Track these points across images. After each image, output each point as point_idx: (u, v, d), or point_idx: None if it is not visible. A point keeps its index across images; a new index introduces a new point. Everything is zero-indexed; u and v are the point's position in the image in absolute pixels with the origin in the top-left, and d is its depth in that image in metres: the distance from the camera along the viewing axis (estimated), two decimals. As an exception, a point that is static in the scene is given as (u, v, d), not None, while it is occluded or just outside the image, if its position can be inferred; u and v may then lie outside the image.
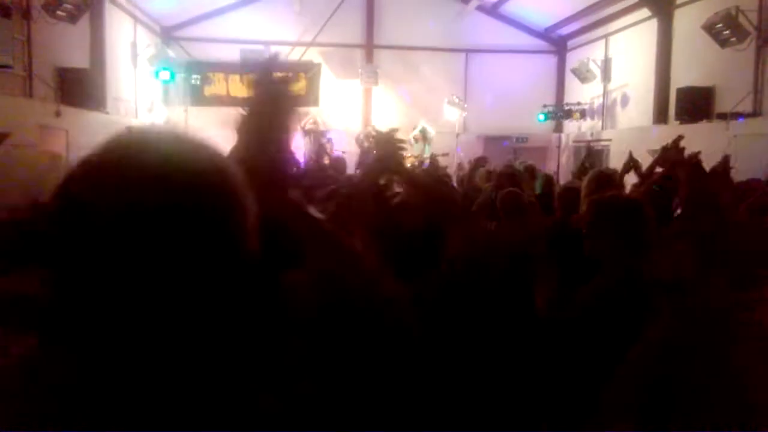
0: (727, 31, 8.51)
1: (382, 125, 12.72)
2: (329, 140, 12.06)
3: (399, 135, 2.21)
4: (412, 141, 11.87)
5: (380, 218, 1.97)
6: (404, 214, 1.95)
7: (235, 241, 0.68)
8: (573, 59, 14.60)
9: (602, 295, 2.29)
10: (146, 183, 0.64)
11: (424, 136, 11.85)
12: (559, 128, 14.91)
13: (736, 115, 8.62)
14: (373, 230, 1.97)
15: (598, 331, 2.25)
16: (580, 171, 10.53)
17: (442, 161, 11.06)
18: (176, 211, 0.64)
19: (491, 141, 14.93)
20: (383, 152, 2.14)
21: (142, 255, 0.62)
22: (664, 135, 10.46)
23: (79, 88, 9.21)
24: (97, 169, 0.66)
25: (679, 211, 3.23)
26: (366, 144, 11.80)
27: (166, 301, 0.64)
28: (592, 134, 13.58)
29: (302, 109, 13.68)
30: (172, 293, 0.64)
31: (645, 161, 4.75)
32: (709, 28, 8.74)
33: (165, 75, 12.49)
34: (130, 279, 0.62)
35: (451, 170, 10.54)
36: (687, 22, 10.29)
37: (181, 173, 0.66)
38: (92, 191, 0.64)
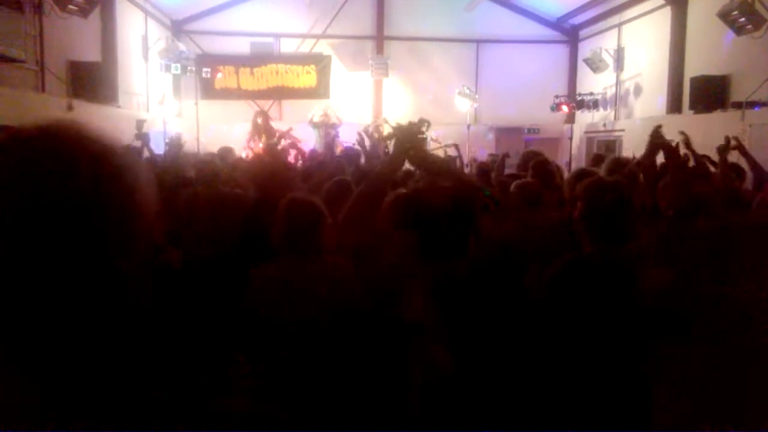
0: (743, 18, 8.37)
1: (396, 117, 12.65)
2: (336, 133, 12.04)
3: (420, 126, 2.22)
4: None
5: (408, 203, 1.98)
6: (431, 199, 1.94)
7: (107, 243, 0.68)
8: (585, 49, 14.46)
9: (557, 276, 2.29)
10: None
11: (428, 127, 11.92)
12: (571, 119, 14.79)
13: (752, 104, 8.50)
14: (402, 214, 1.98)
15: (556, 313, 2.23)
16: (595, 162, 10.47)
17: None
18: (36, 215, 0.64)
19: (503, 132, 14.84)
20: (404, 143, 2.16)
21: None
22: (678, 125, 10.37)
23: (90, 81, 9.25)
24: None
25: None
26: (376, 136, 11.75)
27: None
28: (604, 125, 13.46)
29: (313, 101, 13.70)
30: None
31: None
32: (725, 16, 8.61)
33: (175, 68, 12.53)
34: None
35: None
36: (701, 9, 10.15)
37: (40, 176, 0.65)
38: None
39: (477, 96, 14.22)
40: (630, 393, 2.08)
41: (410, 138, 2.17)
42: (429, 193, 2.01)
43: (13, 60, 7.37)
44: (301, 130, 11.29)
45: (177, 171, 4.40)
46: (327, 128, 11.96)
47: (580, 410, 2.12)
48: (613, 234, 2.29)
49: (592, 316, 2.14)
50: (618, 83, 13.23)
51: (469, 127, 13.80)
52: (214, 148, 7.46)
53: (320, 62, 14.41)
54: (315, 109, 12.16)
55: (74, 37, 9.31)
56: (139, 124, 7.91)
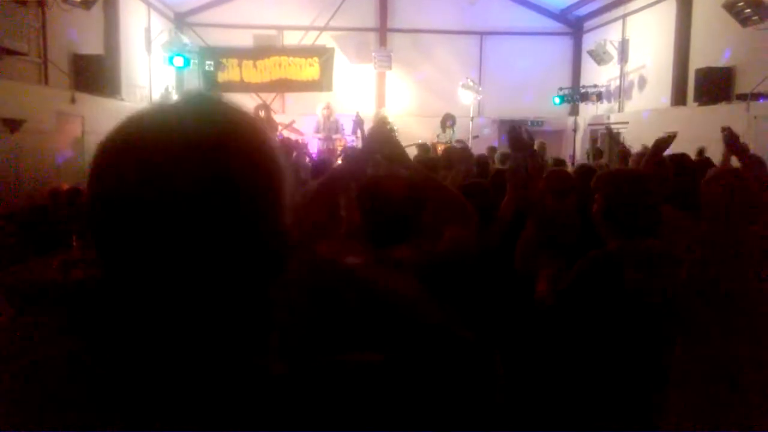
0: (749, 10, 8.32)
1: (399, 110, 12.62)
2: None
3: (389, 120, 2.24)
4: (440, 128, 12.04)
5: (366, 188, 2.03)
6: (388, 185, 2.01)
7: (266, 219, 0.66)
8: (590, 41, 14.38)
9: (579, 271, 2.27)
10: (168, 161, 0.62)
11: (453, 123, 12.15)
12: (575, 111, 14.74)
13: (757, 96, 8.44)
14: (361, 199, 2.03)
15: (574, 311, 2.21)
16: (595, 154, 10.44)
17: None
18: (203, 189, 0.61)
19: (507, 125, 14.79)
20: (376, 136, 2.20)
21: (174, 236, 0.61)
22: (683, 117, 10.33)
23: (94, 74, 9.25)
24: (118, 152, 0.65)
25: None
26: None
27: (196, 280, 0.63)
28: (608, 117, 13.41)
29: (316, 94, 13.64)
30: (202, 273, 0.63)
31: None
32: (730, 7, 8.55)
33: (179, 61, 12.51)
34: (165, 261, 0.62)
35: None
36: (706, 0, 10.08)
37: (204, 147, 0.63)
38: (117, 177, 0.63)
39: (480, 88, 14.16)
40: (650, 389, 2.07)
41: (380, 131, 2.21)
42: (383, 181, 2.04)
43: (16, 53, 7.37)
44: (303, 123, 11.28)
45: None
46: (332, 124, 11.84)
47: (600, 408, 2.11)
48: (636, 228, 2.23)
49: (616, 314, 2.11)
50: (622, 75, 13.17)
51: (473, 119, 13.76)
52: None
53: (323, 55, 14.35)
54: (318, 107, 12.06)
55: (77, 30, 9.30)
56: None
